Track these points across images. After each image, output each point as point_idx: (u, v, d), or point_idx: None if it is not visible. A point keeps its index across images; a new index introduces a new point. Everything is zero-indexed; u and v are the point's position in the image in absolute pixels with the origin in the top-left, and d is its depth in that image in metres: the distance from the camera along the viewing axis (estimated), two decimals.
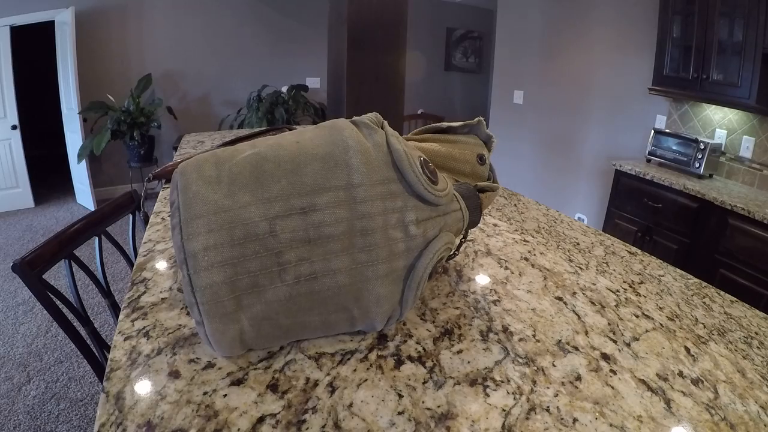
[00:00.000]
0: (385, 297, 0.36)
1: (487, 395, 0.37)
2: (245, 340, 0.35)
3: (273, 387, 0.36)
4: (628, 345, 0.45)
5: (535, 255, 0.66)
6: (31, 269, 0.73)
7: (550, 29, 3.38)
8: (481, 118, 0.59)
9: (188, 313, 0.46)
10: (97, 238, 0.91)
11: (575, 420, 0.35)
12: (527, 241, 0.71)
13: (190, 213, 0.32)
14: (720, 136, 2.44)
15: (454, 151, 0.54)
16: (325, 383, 0.37)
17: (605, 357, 0.43)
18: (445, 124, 0.58)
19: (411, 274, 0.36)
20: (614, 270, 0.67)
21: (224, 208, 0.32)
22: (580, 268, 0.63)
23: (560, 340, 0.45)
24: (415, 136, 0.59)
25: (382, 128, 0.39)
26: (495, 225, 0.78)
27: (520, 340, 0.44)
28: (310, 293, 0.34)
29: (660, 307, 0.56)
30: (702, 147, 2.31)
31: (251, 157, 0.34)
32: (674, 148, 2.46)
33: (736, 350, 0.50)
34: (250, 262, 0.32)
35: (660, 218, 2.35)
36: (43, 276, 0.76)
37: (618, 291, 0.58)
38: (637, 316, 0.51)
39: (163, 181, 0.97)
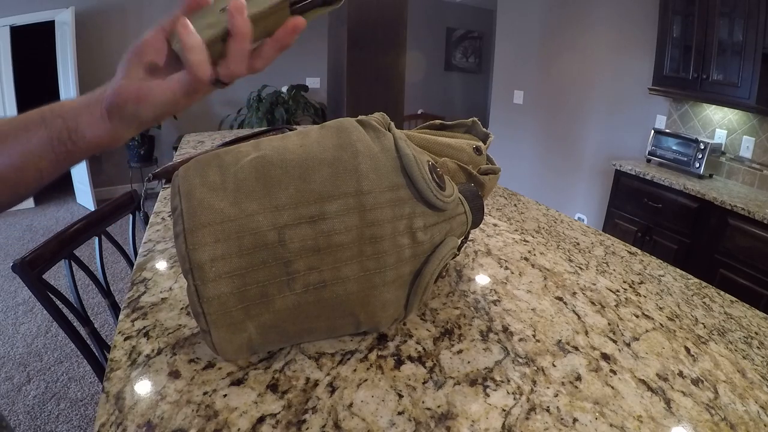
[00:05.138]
0: (391, 302, 0.36)
1: (487, 395, 0.37)
2: (251, 347, 0.35)
3: (273, 387, 0.36)
4: (628, 345, 0.45)
5: (535, 255, 0.66)
6: (31, 269, 0.73)
7: (551, 29, 3.38)
8: (476, 119, 0.59)
9: (188, 313, 0.46)
10: (97, 238, 0.91)
11: (575, 420, 0.35)
12: (527, 241, 0.71)
13: (195, 221, 0.32)
14: (720, 136, 2.44)
15: (451, 141, 0.54)
16: (325, 383, 0.37)
17: (605, 357, 0.43)
18: (438, 121, 0.59)
19: (417, 279, 0.36)
20: (614, 270, 0.67)
21: (231, 217, 0.32)
22: (580, 268, 0.63)
23: (560, 340, 0.45)
24: (412, 132, 0.59)
25: (388, 130, 0.39)
26: (495, 225, 0.78)
27: (520, 340, 0.44)
28: (319, 301, 0.34)
29: (660, 307, 0.56)
30: (702, 147, 2.31)
31: (256, 161, 0.34)
32: (674, 148, 2.46)
33: (736, 350, 0.50)
34: (259, 272, 0.32)
35: (660, 218, 2.35)
36: (43, 276, 0.76)
37: (618, 291, 0.58)
38: (637, 316, 0.51)
39: (163, 181, 0.97)
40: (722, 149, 2.40)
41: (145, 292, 0.51)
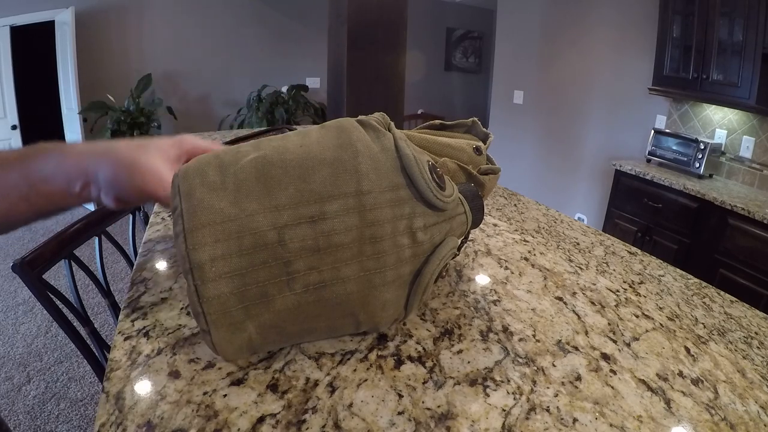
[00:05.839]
0: (391, 302, 0.36)
1: (487, 395, 0.37)
2: (251, 347, 0.35)
3: (273, 387, 0.36)
4: (628, 345, 0.45)
5: (535, 255, 0.66)
6: (31, 269, 0.73)
7: (551, 29, 3.38)
8: (476, 119, 0.59)
9: (188, 313, 0.46)
10: (97, 238, 0.91)
11: (575, 420, 0.35)
12: (527, 241, 0.71)
13: (195, 221, 0.32)
14: (720, 136, 2.44)
15: (451, 141, 0.54)
16: (325, 383, 0.37)
17: (605, 357, 0.43)
18: (438, 121, 0.59)
19: (417, 279, 0.36)
20: (614, 270, 0.67)
21: (231, 216, 0.32)
22: (580, 268, 0.63)
23: (560, 340, 0.45)
24: (412, 132, 0.59)
25: (388, 130, 0.39)
26: (495, 225, 0.78)
27: (520, 340, 0.44)
28: (319, 301, 0.34)
29: (660, 307, 0.56)
30: (702, 147, 2.31)
31: (256, 161, 0.34)
32: (674, 148, 2.46)
33: (736, 350, 0.50)
34: (259, 272, 0.32)
35: (660, 218, 2.35)
36: (43, 276, 0.76)
37: (618, 291, 0.58)
38: (637, 316, 0.51)
39: None
40: (722, 149, 2.40)
41: (145, 292, 0.51)
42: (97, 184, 0.38)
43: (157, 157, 0.39)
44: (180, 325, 0.44)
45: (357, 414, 0.34)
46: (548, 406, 0.36)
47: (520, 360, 0.41)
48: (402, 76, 1.96)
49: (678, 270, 0.74)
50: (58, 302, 0.76)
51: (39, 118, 4.50)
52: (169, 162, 0.41)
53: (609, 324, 0.49)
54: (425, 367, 0.39)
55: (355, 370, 0.39)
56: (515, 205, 0.99)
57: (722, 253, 2.02)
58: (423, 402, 0.35)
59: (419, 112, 5.37)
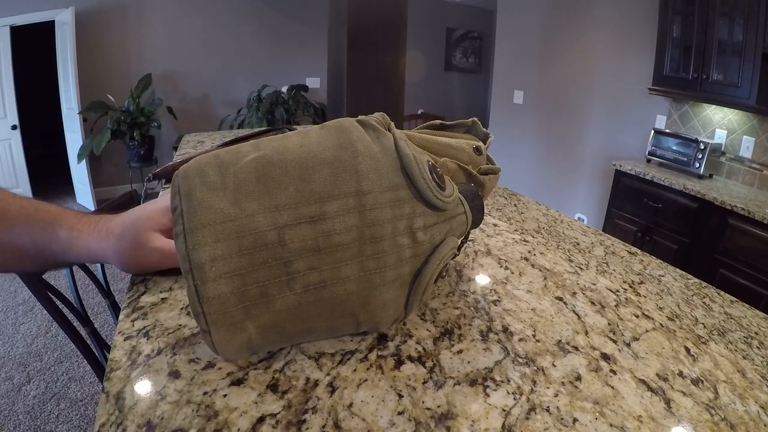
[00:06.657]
0: (391, 302, 0.36)
1: (487, 395, 0.37)
2: (251, 347, 0.35)
3: (273, 387, 0.36)
4: (628, 345, 0.45)
5: (535, 255, 0.66)
6: None
7: (550, 29, 3.38)
8: (476, 119, 0.59)
9: (188, 313, 0.46)
10: None
11: (575, 420, 0.35)
12: (527, 241, 0.71)
13: (195, 221, 0.32)
14: (720, 136, 2.44)
15: (451, 141, 0.54)
16: (325, 383, 0.37)
17: (605, 357, 0.43)
18: (438, 121, 0.59)
19: (417, 279, 0.36)
20: (614, 270, 0.67)
21: (231, 216, 0.32)
22: (580, 268, 0.63)
23: (560, 340, 0.45)
24: (412, 132, 0.59)
25: (388, 130, 0.38)
26: (495, 225, 0.78)
27: (520, 340, 0.44)
28: (319, 301, 0.34)
29: (660, 307, 0.56)
30: (702, 147, 2.31)
31: (256, 161, 0.34)
32: (674, 148, 2.46)
33: (736, 350, 0.50)
34: (259, 272, 0.32)
35: (660, 218, 2.35)
36: (43, 276, 0.76)
37: (618, 291, 0.58)
38: (637, 316, 0.51)
39: (163, 181, 0.97)
40: (722, 149, 2.40)
41: (145, 292, 0.51)
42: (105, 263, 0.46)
43: (154, 236, 0.44)
44: (180, 325, 0.44)
45: (357, 414, 0.34)
46: (548, 406, 0.36)
47: (520, 360, 0.41)
48: (402, 76, 1.96)
49: (678, 270, 0.74)
50: (58, 302, 0.76)
51: (39, 118, 4.50)
52: (163, 232, 0.45)
53: (609, 324, 0.49)
54: (425, 367, 0.39)
55: (355, 370, 0.39)
56: (515, 205, 0.99)
57: (722, 253, 2.02)
58: (423, 402, 0.35)
59: (419, 112, 5.37)
